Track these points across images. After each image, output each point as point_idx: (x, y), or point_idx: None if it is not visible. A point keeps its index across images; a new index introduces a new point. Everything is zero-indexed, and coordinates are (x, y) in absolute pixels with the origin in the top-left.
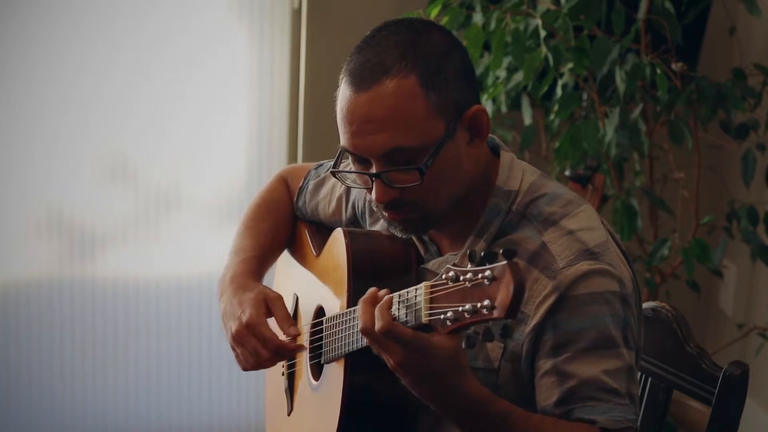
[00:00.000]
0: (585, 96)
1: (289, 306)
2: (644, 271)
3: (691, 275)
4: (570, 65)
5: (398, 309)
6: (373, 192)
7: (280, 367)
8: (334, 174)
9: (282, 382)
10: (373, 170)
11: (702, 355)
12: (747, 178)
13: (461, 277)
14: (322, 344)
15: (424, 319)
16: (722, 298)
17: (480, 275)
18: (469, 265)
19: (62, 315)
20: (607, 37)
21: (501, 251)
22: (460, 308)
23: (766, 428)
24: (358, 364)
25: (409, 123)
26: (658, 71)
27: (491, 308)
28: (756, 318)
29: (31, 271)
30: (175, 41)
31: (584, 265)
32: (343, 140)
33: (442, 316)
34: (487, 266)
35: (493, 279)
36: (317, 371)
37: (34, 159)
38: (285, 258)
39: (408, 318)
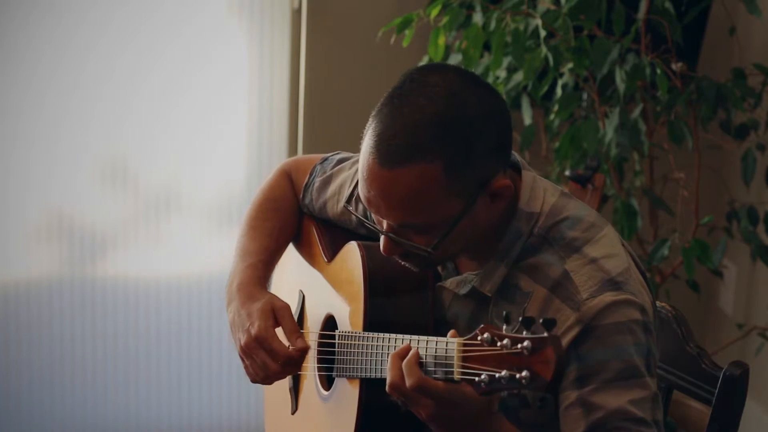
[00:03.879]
0: (585, 96)
1: (295, 302)
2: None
3: (691, 275)
4: (570, 65)
5: (425, 359)
6: (381, 243)
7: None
8: (348, 210)
9: (287, 380)
10: (384, 227)
11: (702, 355)
12: (747, 178)
13: (498, 343)
14: (333, 358)
15: (456, 377)
16: (722, 298)
17: (519, 345)
18: (505, 328)
19: (62, 315)
20: (607, 37)
21: (541, 321)
22: (497, 375)
23: (766, 428)
24: (373, 387)
25: (424, 207)
26: (658, 71)
27: (530, 380)
28: (756, 318)
29: (31, 272)
30: (175, 41)
31: (608, 296)
32: (361, 192)
33: (476, 378)
34: (526, 335)
35: (532, 350)
36: (326, 381)
37: (35, 159)
38: (291, 252)
39: (437, 371)
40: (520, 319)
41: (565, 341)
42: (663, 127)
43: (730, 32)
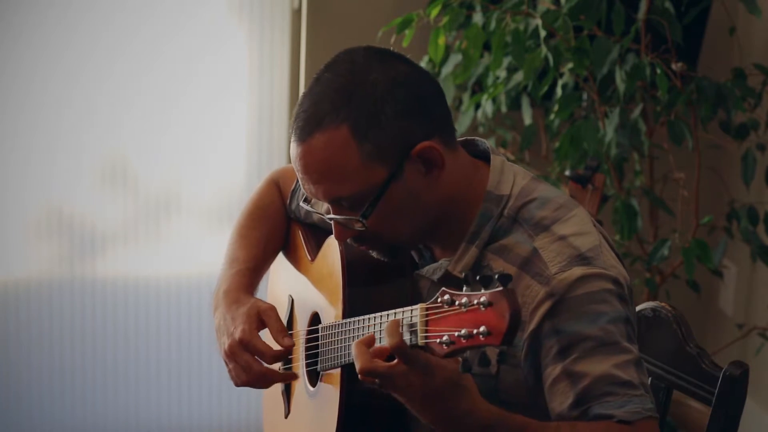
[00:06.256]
0: (585, 96)
1: (285, 308)
2: (644, 271)
3: (691, 275)
4: (570, 65)
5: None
6: (333, 230)
7: (277, 369)
8: (304, 208)
9: (279, 385)
10: (329, 212)
11: (702, 355)
12: (747, 178)
13: (456, 302)
14: (317, 352)
15: (420, 341)
16: (722, 298)
17: (475, 301)
18: (465, 288)
19: (62, 315)
20: (607, 37)
21: (496, 276)
22: (456, 333)
23: (766, 428)
24: (354, 374)
25: (343, 174)
26: (658, 71)
27: (487, 334)
28: (756, 318)
29: (31, 271)
30: (175, 41)
31: (577, 270)
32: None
33: (438, 340)
34: (483, 292)
35: (488, 305)
36: (313, 377)
37: (34, 159)
38: (280, 259)
39: (403, 338)
40: (477, 278)
41: (537, 316)
42: (663, 127)
43: (730, 32)
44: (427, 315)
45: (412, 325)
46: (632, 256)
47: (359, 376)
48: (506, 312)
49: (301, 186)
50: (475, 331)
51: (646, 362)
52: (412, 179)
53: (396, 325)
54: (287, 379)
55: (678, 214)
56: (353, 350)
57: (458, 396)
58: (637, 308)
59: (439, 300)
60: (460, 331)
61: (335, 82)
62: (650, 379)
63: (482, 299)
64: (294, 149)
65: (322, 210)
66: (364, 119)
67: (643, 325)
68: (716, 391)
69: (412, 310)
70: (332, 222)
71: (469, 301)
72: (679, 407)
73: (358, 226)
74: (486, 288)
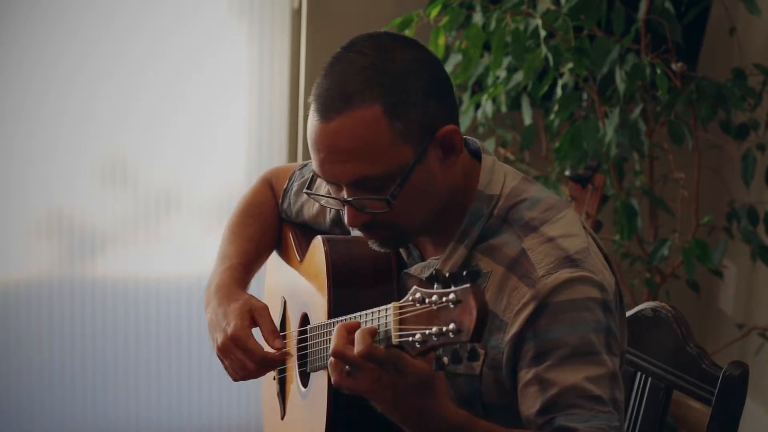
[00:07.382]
0: (585, 96)
1: (278, 310)
2: (644, 271)
3: (691, 275)
4: (570, 65)
5: (379, 332)
6: (345, 216)
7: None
8: (308, 194)
9: (275, 386)
10: (344, 195)
11: (702, 355)
12: (747, 178)
13: (427, 300)
14: (307, 353)
15: (394, 341)
16: (722, 298)
17: (444, 298)
18: (436, 286)
19: (62, 315)
20: (607, 37)
21: (465, 273)
22: (427, 331)
23: (766, 428)
24: None
25: (374, 153)
26: (658, 71)
27: (457, 332)
28: (756, 318)
29: (31, 271)
30: (175, 41)
31: (564, 273)
32: (314, 165)
33: (410, 339)
34: (452, 288)
35: (457, 302)
36: (305, 378)
37: (34, 159)
38: (275, 260)
39: (378, 339)
40: (447, 274)
41: (521, 318)
42: (663, 127)
43: (730, 32)
44: (400, 314)
45: (386, 324)
46: (632, 256)
47: (330, 353)
48: (473, 309)
49: (316, 167)
50: (444, 329)
51: (647, 362)
52: (432, 163)
53: (368, 331)
54: (283, 357)
55: (678, 214)
56: (335, 331)
57: (426, 396)
58: (637, 308)
59: (410, 299)
60: (431, 329)
61: (362, 60)
62: (650, 379)
63: (450, 296)
64: (317, 128)
65: (322, 195)
66: (397, 98)
67: (643, 325)
68: (716, 391)
69: (386, 309)
70: (346, 205)
71: (439, 299)
72: (679, 407)
73: (381, 208)
74: (455, 285)
